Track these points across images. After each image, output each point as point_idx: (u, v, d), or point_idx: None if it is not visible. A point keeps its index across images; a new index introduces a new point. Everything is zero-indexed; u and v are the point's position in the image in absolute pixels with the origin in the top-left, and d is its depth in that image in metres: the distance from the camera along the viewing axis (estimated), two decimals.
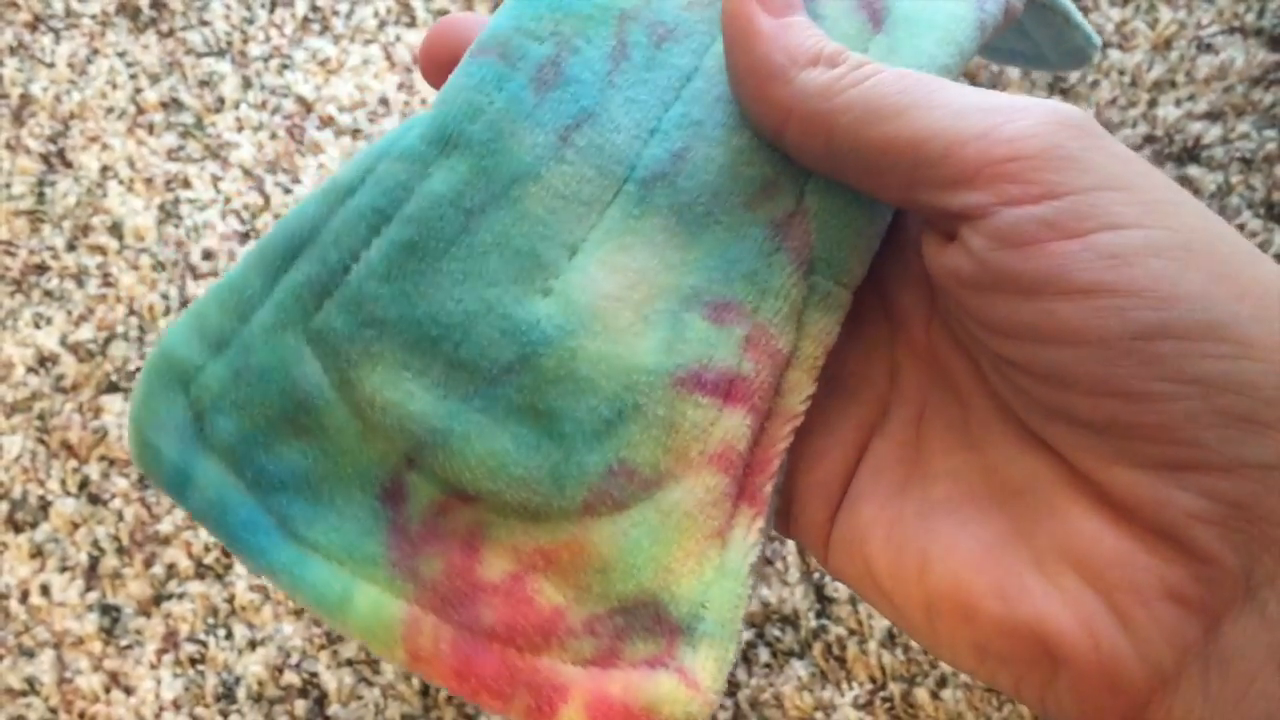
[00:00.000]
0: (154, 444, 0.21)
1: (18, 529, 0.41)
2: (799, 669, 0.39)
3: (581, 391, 0.21)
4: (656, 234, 0.22)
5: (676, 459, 0.21)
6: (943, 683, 0.38)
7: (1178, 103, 0.44)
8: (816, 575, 0.40)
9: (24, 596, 0.40)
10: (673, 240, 0.22)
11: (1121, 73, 0.45)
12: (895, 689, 0.38)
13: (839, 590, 0.39)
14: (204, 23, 0.47)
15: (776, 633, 0.39)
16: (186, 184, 0.45)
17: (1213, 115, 0.44)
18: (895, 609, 0.21)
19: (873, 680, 0.39)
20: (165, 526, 0.41)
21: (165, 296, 0.43)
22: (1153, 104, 0.45)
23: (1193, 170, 0.44)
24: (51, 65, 0.47)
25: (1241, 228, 0.43)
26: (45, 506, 0.41)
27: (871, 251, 0.23)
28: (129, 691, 0.39)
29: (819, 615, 0.39)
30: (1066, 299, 0.18)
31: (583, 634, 0.20)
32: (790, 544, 0.40)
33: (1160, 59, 0.45)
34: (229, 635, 0.40)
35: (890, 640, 0.39)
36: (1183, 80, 0.45)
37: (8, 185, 0.45)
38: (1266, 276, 0.18)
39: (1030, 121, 0.19)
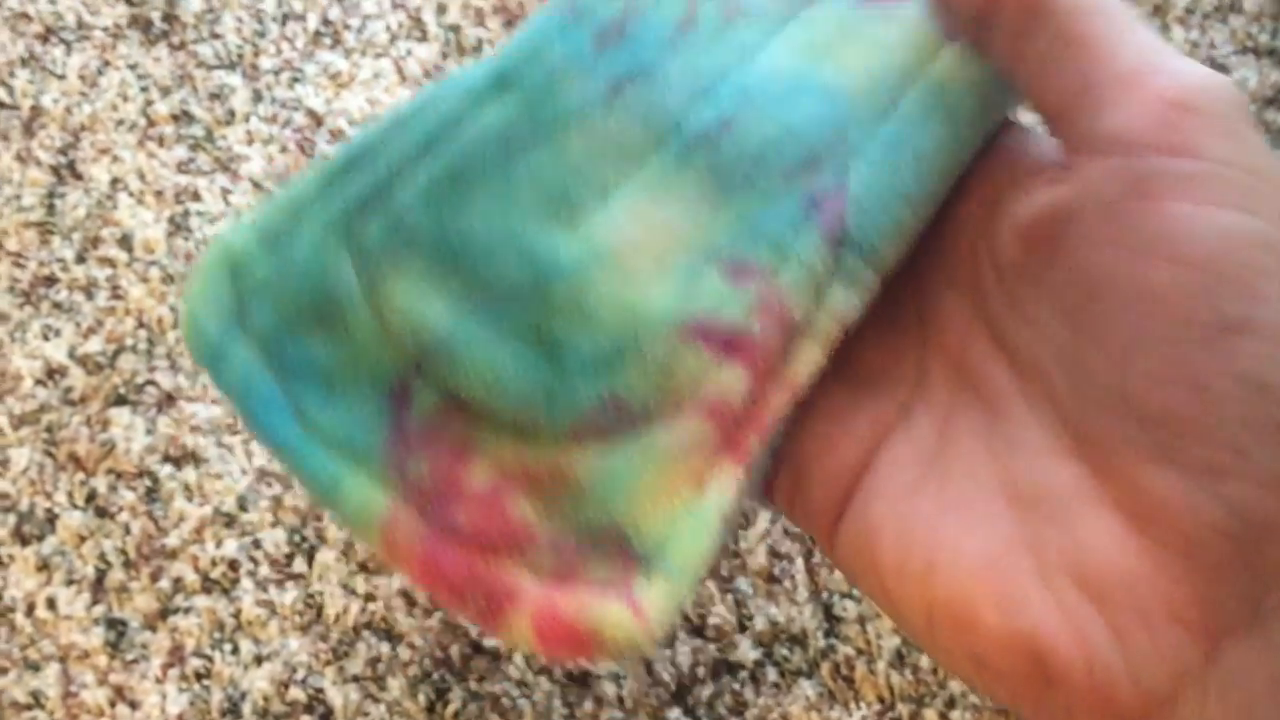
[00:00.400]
0: (199, 321, 0.23)
1: (24, 542, 0.40)
2: (807, 689, 0.39)
3: (586, 324, 0.22)
4: (690, 191, 0.23)
5: (668, 402, 0.22)
6: (951, 704, 0.38)
7: None
8: (825, 595, 0.40)
9: (30, 609, 0.40)
10: (705, 199, 0.23)
11: None
12: (904, 709, 0.38)
13: (847, 610, 0.39)
14: (215, 36, 0.47)
15: (784, 652, 0.39)
16: (196, 196, 0.45)
17: None
18: (895, 608, 0.22)
19: (881, 700, 0.38)
20: (172, 540, 0.41)
21: (174, 309, 0.43)
22: None
23: None
24: (62, 77, 0.47)
25: None
26: (52, 519, 0.41)
27: (906, 244, 0.23)
28: (134, 706, 0.39)
29: (827, 635, 0.39)
30: (1167, 264, 0.18)
31: (546, 550, 0.21)
32: (799, 562, 0.40)
33: None
34: (235, 650, 0.39)
35: (899, 660, 0.39)
36: None
37: (18, 197, 0.45)
38: None
39: (1201, 76, 0.18)
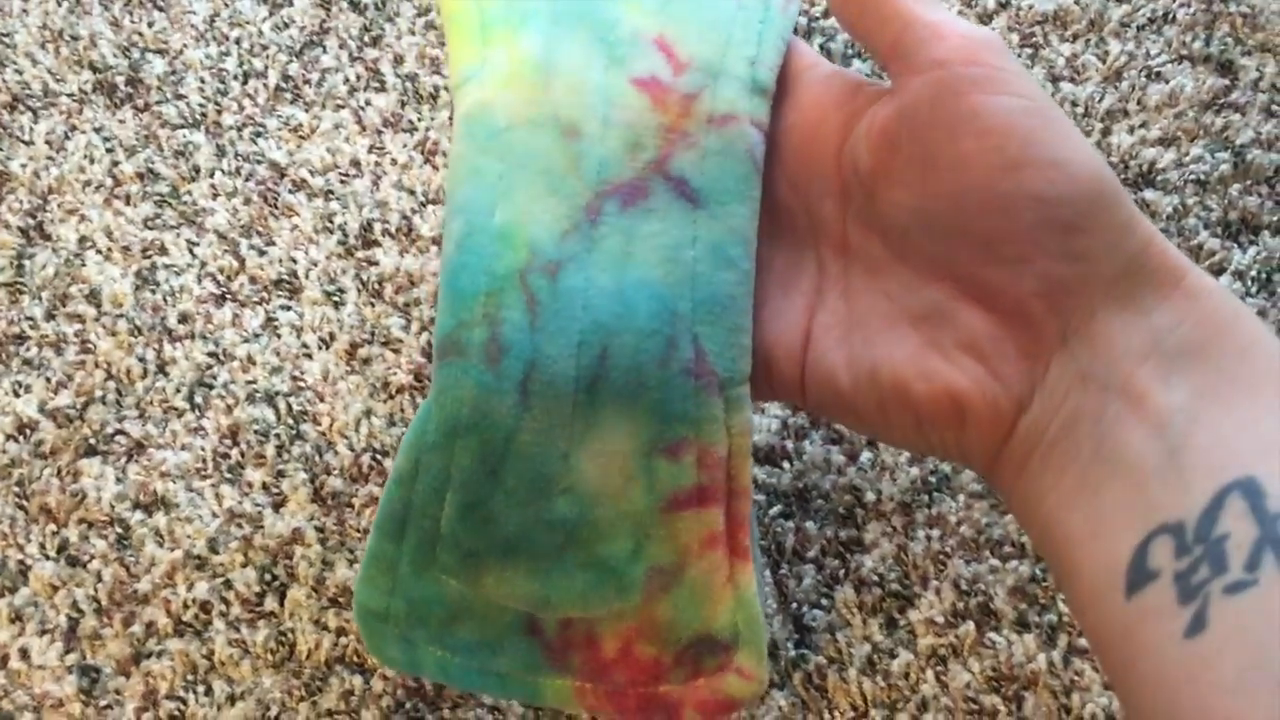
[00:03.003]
0: (388, 656, 0.32)
1: None
2: (779, 700, 0.39)
3: (612, 539, 0.30)
4: (612, 418, 0.30)
5: (684, 553, 0.30)
6: (924, 707, 0.38)
7: (1131, 130, 0.45)
8: (794, 605, 0.40)
9: (3, 661, 0.40)
10: (625, 416, 0.30)
11: (1075, 104, 0.46)
12: (877, 715, 0.38)
13: (817, 619, 0.39)
14: (179, 96, 0.49)
15: None
16: (163, 250, 0.46)
17: (1165, 141, 0.45)
18: (859, 417, 0.31)
19: (854, 708, 0.38)
20: (144, 585, 0.41)
21: (142, 359, 0.44)
22: (1106, 132, 0.45)
23: (1149, 194, 0.44)
24: (30, 143, 0.48)
25: (1199, 247, 0.43)
26: (25, 571, 0.41)
27: (749, 346, 0.31)
28: None
29: (798, 645, 0.39)
30: (975, 136, 0.27)
31: (674, 666, 0.31)
32: (767, 574, 0.40)
33: (1112, 89, 0.46)
34: (208, 691, 0.39)
35: (870, 667, 0.39)
36: (1135, 109, 0.46)
37: None
38: (1084, 141, 0.27)
39: (978, 27, 0.29)
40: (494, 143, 0.31)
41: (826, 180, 0.32)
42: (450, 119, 0.48)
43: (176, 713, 0.39)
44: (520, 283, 0.30)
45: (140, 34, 0.50)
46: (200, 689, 0.39)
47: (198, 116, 0.49)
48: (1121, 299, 0.27)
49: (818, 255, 0.32)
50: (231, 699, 0.39)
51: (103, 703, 0.39)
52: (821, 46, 0.47)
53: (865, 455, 0.42)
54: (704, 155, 0.31)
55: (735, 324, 0.30)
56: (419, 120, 0.48)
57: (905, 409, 0.29)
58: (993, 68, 0.27)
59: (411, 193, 0.47)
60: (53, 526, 0.42)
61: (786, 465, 0.42)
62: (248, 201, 0.47)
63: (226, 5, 0.50)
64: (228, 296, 0.45)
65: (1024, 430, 0.28)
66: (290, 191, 0.47)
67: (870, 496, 0.41)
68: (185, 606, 0.40)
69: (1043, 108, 0.27)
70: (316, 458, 0.43)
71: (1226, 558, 0.23)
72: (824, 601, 0.40)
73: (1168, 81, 0.46)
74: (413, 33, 0.49)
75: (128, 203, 0.47)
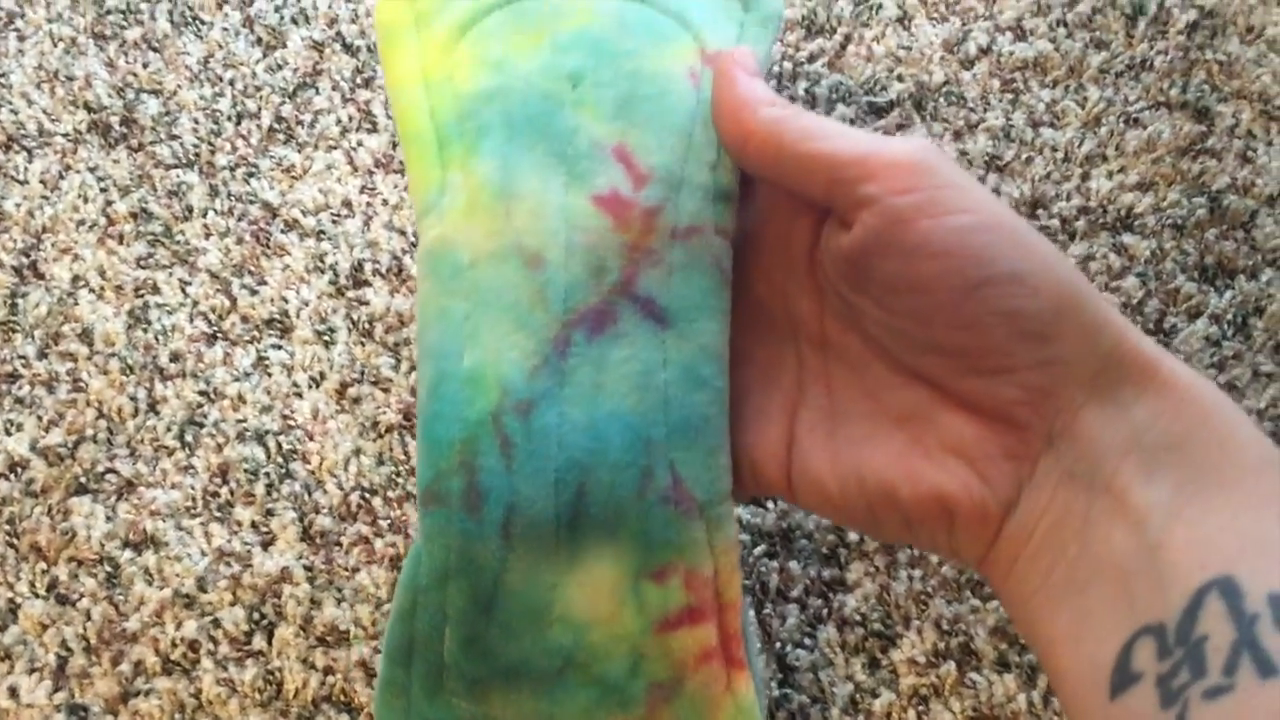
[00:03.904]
0: None
1: None
2: None
3: (609, 659, 0.31)
4: (595, 550, 0.31)
5: (681, 668, 0.31)
6: None
7: (1110, 175, 0.46)
8: (778, 645, 0.40)
9: None
10: (608, 547, 0.31)
11: (1054, 149, 0.47)
12: None
13: (800, 659, 0.40)
14: (173, 137, 0.49)
15: None
16: (155, 289, 0.47)
17: (1144, 186, 0.46)
18: (848, 517, 0.31)
19: None
20: (133, 624, 0.41)
21: (134, 398, 0.45)
22: (1085, 177, 0.46)
23: (1127, 238, 0.45)
24: (24, 182, 0.48)
25: (1177, 291, 0.44)
26: (14, 609, 0.41)
27: (728, 465, 0.31)
28: None
29: (781, 684, 0.40)
30: (930, 260, 0.27)
31: None
32: (750, 614, 0.40)
33: (1091, 134, 0.47)
34: None
35: (853, 706, 0.39)
36: (1113, 154, 0.47)
37: None
38: (1040, 244, 0.28)
39: (906, 146, 0.28)
40: (458, 282, 0.31)
41: (801, 279, 0.32)
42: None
43: None
44: (494, 425, 0.30)
45: (135, 74, 0.50)
46: None
47: (191, 157, 0.49)
48: (1101, 396, 0.27)
49: (798, 350, 0.32)
50: None
51: None
52: (807, 90, 0.48)
53: None
54: (670, 272, 0.31)
55: (711, 445, 0.31)
56: None
57: (893, 511, 0.29)
58: (931, 189, 0.27)
59: (402, 233, 0.47)
60: (42, 565, 0.42)
61: (770, 505, 0.42)
62: (240, 241, 0.47)
63: (221, 46, 0.51)
64: (219, 335, 0.46)
65: (1012, 530, 0.28)
66: (282, 231, 0.48)
67: (853, 536, 0.41)
68: (174, 645, 0.41)
69: (991, 220, 0.27)
70: (306, 496, 0.43)
71: (1206, 661, 0.23)
72: (807, 641, 0.40)
73: (1146, 127, 0.47)
74: None
75: (121, 242, 0.48)
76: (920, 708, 0.39)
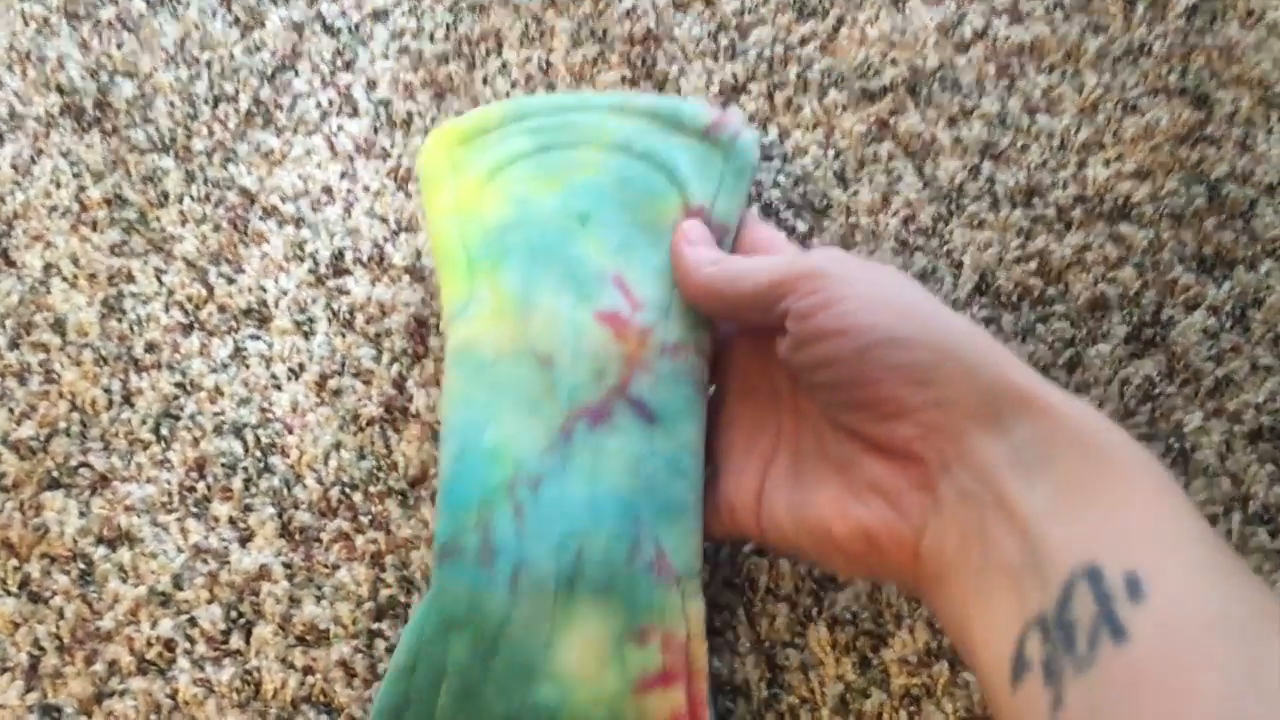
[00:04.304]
0: None
1: None
2: None
3: None
4: (588, 608, 0.35)
5: None
6: None
7: (1107, 163, 0.45)
8: (767, 644, 0.39)
9: None
10: (599, 607, 0.35)
11: (1050, 136, 0.46)
12: None
13: (789, 658, 0.39)
14: (148, 120, 0.48)
15: (729, 704, 0.39)
16: (130, 278, 0.46)
17: (1141, 174, 0.45)
18: (804, 552, 0.36)
19: None
20: (107, 622, 0.40)
21: (107, 390, 0.43)
22: (1082, 165, 0.45)
23: (1124, 227, 0.44)
24: None
25: (1174, 282, 0.43)
26: None
27: (700, 546, 0.36)
28: None
29: (770, 684, 0.39)
30: (828, 340, 0.33)
31: None
32: (740, 613, 0.40)
33: (1088, 121, 0.46)
34: None
35: (843, 706, 0.38)
36: (1110, 141, 0.46)
37: None
38: (919, 310, 0.33)
39: (811, 259, 0.35)
40: (482, 375, 0.37)
41: (778, 365, 0.37)
42: (419, 151, 0.47)
43: None
44: (509, 493, 0.36)
45: (109, 56, 0.49)
46: None
47: (167, 141, 0.48)
48: (985, 424, 0.31)
49: (778, 419, 0.38)
50: None
51: None
52: (798, 75, 0.47)
53: None
54: (658, 380, 0.37)
55: (689, 527, 0.36)
56: (391, 147, 0.47)
57: (830, 545, 0.34)
58: (825, 290, 0.34)
59: (384, 220, 0.46)
60: (14, 561, 0.41)
61: None
62: (217, 228, 0.46)
63: (198, 27, 0.49)
64: (195, 325, 0.45)
65: (927, 552, 0.32)
66: (260, 218, 0.46)
67: None
68: (149, 644, 0.40)
69: (871, 302, 0.33)
70: (285, 491, 0.42)
71: (1075, 640, 0.26)
72: (797, 640, 0.39)
73: (1144, 114, 0.46)
74: (386, 57, 0.49)
75: (94, 229, 0.46)
76: (912, 708, 0.38)
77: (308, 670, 0.40)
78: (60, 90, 0.49)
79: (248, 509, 0.42)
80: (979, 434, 0.31)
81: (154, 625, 0.40)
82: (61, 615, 0.40)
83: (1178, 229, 0.44)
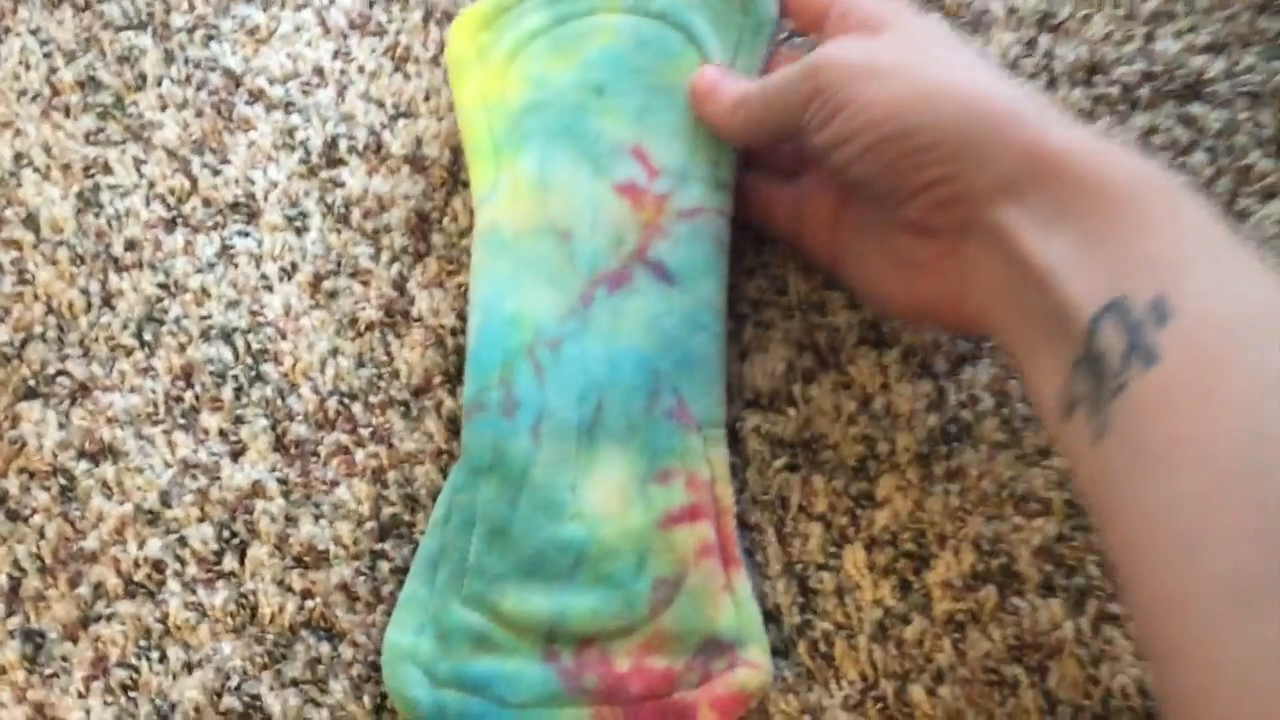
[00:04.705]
0: (410, 697, 0.35)
1: None
2: (783, 669, 0.36)
3: (617, 556, 0.36)
4: (609, 454, 0.37)
5: (683, 563, 0.35)
6: (939, 678, 0.35)
7: (1177, 35, 0.41)
8: (799, 567, 0.37)
9: None
10: (620, 452, 0.37)
11: (1115, 5, 0.42)
12: (888, 686, 0.35)
13: (823, 582, 0.36)
14: None
15: None
16: (107, 169, 0.42)
17: (1215, 48, 0.41)
18: (864, 294, 0.39)
19: (863, 678, 0.36)
20: (91, 542, 0.38)
21: (85, 292, 0.40)
22: (1150, 38, 0.41)
23: (1196, 108, 0.40)
24: None
25: (1250, 168, 0.39)
26: None
27: (723, 396, 0.38)
28: None
29: (803, 610, 0.36)
30: (839, 150, 0.34)
31: (687, 672, 0.35)
32: (770, 534, 0.37)
33: None
34: (163, 658, 0.37)
35: (881, 633, 0.36)
36: (1182, 10, 0.42)
37: None
38: (937, 86, 0.33)
39: (809, 65, 0.35)
40: (504, 251, 0.38)
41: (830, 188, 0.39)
42: (422, 21, 0.43)
43: (128, 681, 0.36)
44: (529, 355, 0.37)
45: None
46: (154, 655, 0.37)
47: (144, 17, 0.44)
48: (1003, 193, 0.31)
49: (836, 199, 0.39)
50: (188, 667, 0.36)
51: (48, 670, 0.37)
52: None
53: (878, 402, 0.38)
54: (676, 243, 0.38)
55: (709, 377, 0.37)
56: (389, 22, 0.43)
57: (891, 306, 0.38)
58: (840, 90, 0.34)
59: (380, 105, 0.42)
60: None
61: (791, 411, 0.38)
62: (200, 114, 0.43)
63: None
64: (179, 221, 0.41)
65: (973, 312, 0.34)
66: (246, 103, 0.43)
67: (883, 447, 0.38)
68: (136, 566, 0.37)
69: (879, 97, 0.33)
70: (278, 401, 0.39)
71: (1107, 370, 0.28)
72: (831, 562, 0.37)
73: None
74: None
75: (67, 115, 0.43)
76: (956, 635, 0.36)
77: (306, 594, 0.37)
78: None
79: (239, 421, 0.39)
80: (997, 203, 0.32)
81: (141, 545, 0.38)
82: (42, 534, 0.38)
83: (1255, 109, 0.40)
